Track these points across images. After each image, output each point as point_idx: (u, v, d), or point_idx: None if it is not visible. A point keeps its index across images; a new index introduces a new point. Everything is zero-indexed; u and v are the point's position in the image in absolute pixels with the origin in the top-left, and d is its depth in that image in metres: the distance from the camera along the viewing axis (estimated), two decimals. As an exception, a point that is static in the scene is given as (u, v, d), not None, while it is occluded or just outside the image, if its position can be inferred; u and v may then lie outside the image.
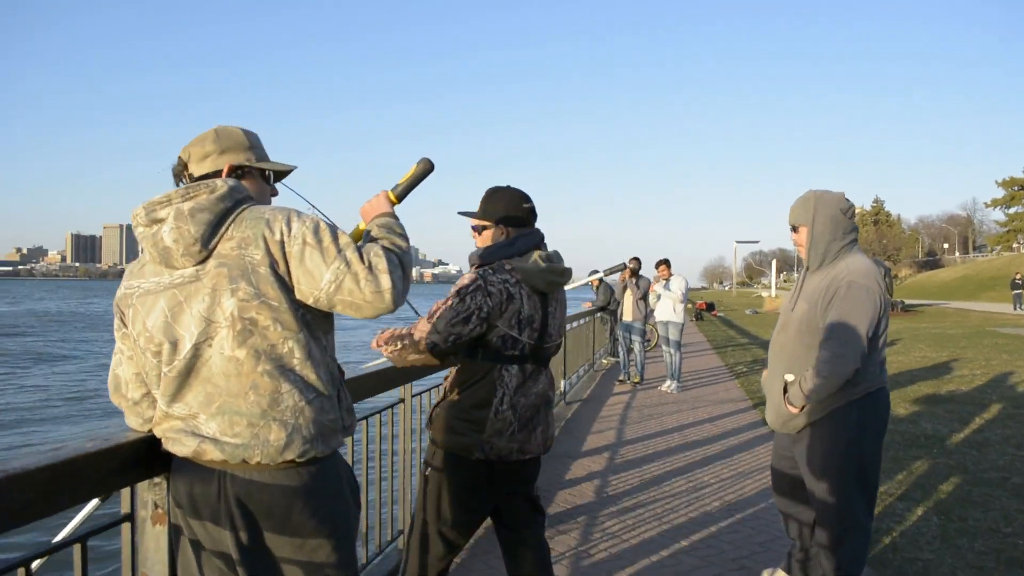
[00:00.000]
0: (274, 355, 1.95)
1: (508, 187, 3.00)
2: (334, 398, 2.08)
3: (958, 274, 73.24)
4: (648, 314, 12.62)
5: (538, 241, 2.97)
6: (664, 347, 11.99)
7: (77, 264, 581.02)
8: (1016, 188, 57.97)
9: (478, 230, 3.00)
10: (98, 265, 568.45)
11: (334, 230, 2.00)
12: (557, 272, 2.90)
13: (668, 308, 11.81)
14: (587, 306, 15.36)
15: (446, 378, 3.01)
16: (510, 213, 2.94)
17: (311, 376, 2.00)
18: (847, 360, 3.09)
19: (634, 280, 12.68)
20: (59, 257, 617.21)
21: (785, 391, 3.30)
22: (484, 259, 2.89)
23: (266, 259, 1.94)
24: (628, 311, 12.66)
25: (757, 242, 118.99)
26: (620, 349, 13.05)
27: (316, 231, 1.96)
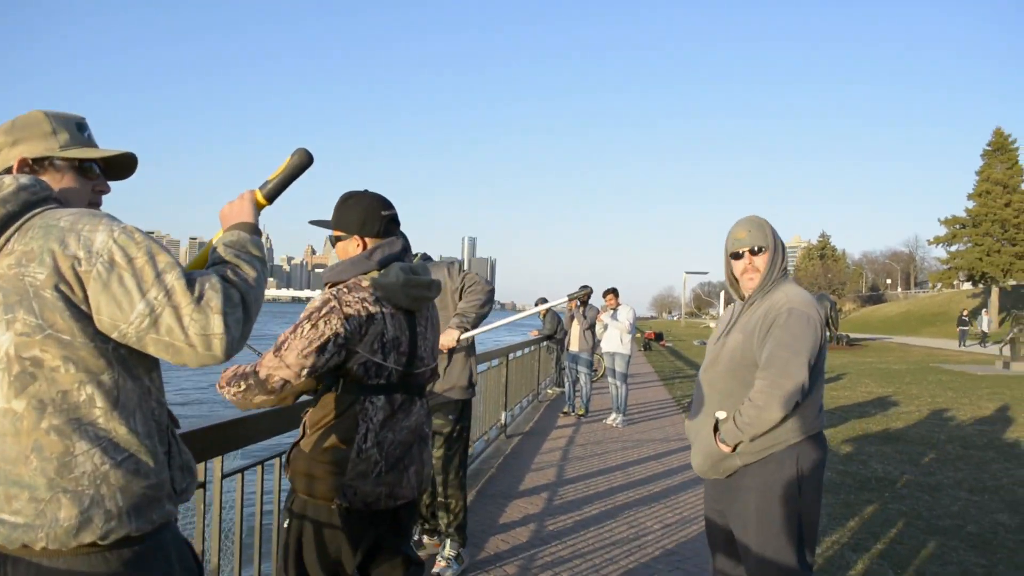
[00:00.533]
0: (66, 405, 1.50)
1: (365, 192, 2.69)
2: (158, 456, 1.63)
3: (901, 309, 74.49)
4: (595, 344, 12.25)
5: (400, 252, 2.66)
6: (610, 379, 11.64)
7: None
8: (958, 227, 59.25)
9: (332, 242, 2.70)
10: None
11: (152, 247, 1.56)
12: (422, 285, 2.60)
13: (615, 339, 11.47)
14: (534, 334, 15.02)
15: (303, 413, 2.63)
16: (368, 222, 2.62)
17: (120, 430, 1.56)
18: (788, 390, 2.78)
19: (581, 309, 12.33)
20: None
21: (716, 429, 2.97)
22: (337, 276, 2.58)
23: (52, 279, 1.49)
24: (575, 341, 12.30)
25: (706, 273, 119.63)
26: (566, 380, 12.67)
27: (127, 246, 1.53)
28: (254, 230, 1.85)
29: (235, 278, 1.65)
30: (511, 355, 10.40)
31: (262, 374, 2.34)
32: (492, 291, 4.66)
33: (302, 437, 2.55)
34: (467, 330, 4.50)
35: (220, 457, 2.88)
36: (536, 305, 15.52)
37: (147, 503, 1.59)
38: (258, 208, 1.96)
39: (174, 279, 1.54)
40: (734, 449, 2.93)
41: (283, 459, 3.42)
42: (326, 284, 2.59)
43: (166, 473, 1.66)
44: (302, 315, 2.42)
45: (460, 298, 4.64)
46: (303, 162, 1.99)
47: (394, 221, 2.69)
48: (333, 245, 2.69)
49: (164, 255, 1.56)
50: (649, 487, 7.05)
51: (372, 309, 2.47)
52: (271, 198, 1.98)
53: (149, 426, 1.63)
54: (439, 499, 4.75)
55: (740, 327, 3.02)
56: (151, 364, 1.66)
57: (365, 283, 2.52)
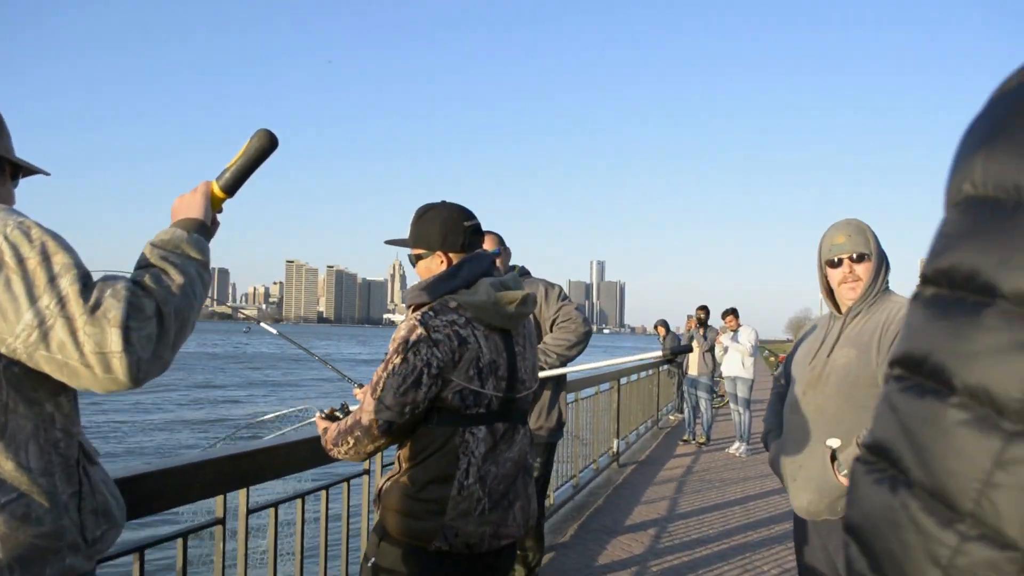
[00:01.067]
0: None
1: (443, 203, 2.47)
2: (57, 498, 1.32)
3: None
4: (716, 368, 11.53)
5: (487, 266, 2.42)
6: (732, 405, 10.92)
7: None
8: None
9: (413, 261, 2.48)
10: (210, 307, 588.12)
11: (49, 244, 1.28)
12: (516, 301, 2.34)
13: (736, 362, 10.74)
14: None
15: (399, 447, 2.37)
16: (450, 235, 2.39)
17: (5, 466, 1.26)
18: None
19: (701, 330, 11.67)
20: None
21: (833, 459, 2.57)
22: (422, 298, 2.35)
23: None
24: (693, 364, 11.65)
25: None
26: (685, 405, 12.00)
27: (20, 244, 1.26)
28: (199, 227, 1.55)
29: (153, 285, 1.35)
30: (623, 379, 9.86)
31: (364, 421, 2.20)
32: (588, 333, 4.13)
33: (396, 472, 2.34)
34: (543, 370, 3.99)
35: (245, 490, 2.56)
36: (655, 327, 14.99)
37: (37, 555, 1.29)
38: (216, 202, 1.65)
39: (68, 283, 1.25)
40: None
41: (372, 495, 3.13)
42: (409, 308, 2.36)
43: (69, 519, 1.33)
44: (390, 347, 2.24)
45: (550, 329, 4.14)
46: (264, 146, 1.65)
47: (478, 232, 2.46)
48: (414, 264, 2.46)
49: (63, 255, 1.27)
50: (770, 527, 6.37)
51: (463, 332, 2.25)
52: (230, 189, 1.65)
53: (48, 461, 1.31)
54: (517, 551, 4.31)
55: (850, 341, 2.65)
56: (57, 387, 1.34)
57: (453, 304, 2.29)
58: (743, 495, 7.73)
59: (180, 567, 2.30)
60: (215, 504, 2.46)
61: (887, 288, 2.74)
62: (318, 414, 2.49)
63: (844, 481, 2.54)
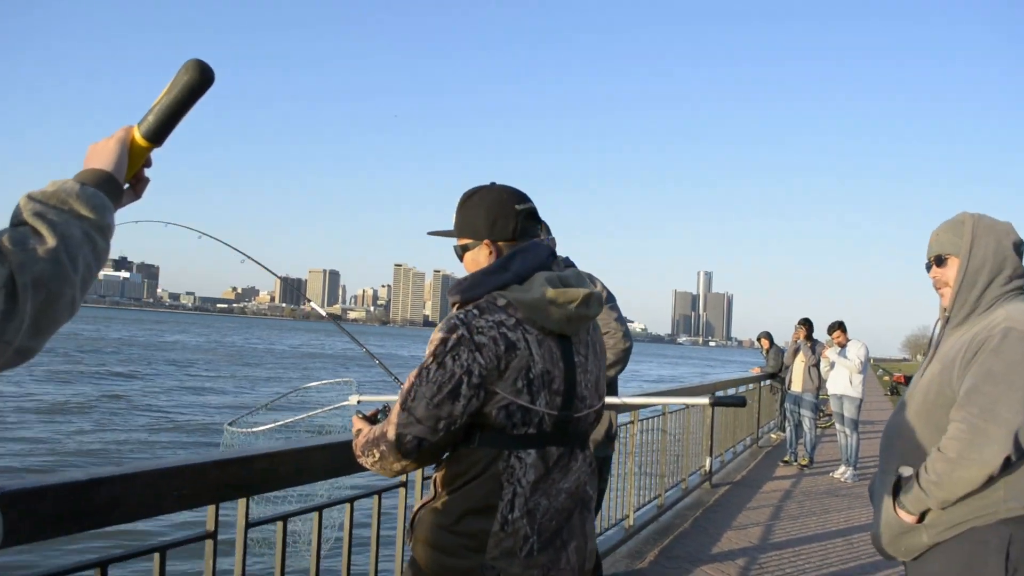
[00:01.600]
0: None
1: (492, 184, 2.13)
2: None
3: None
4: (822, 384, 10.74)
5: (545, 257, 2.06)
6: (838, 425, 10.13)
7: (283, 304, 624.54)
8: None
9: (459, 253, 2.14)
10: (302, 306, 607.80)
11: None
12: (578, 300, 1.97)
13: (843, 379, 9.94)
14: (755, 371, 13.65)
15: (437, 468, 2.03)
16: (499, 221, 2.05)
17: None
18: (993, 437, 2.14)
19: (809, 343, 10.90)
20: (268, 297, 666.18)
21: (898, 490, 2.33)
22: (467, 293, 1.99)
23: None
24: (798, 379, 10.90)
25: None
26: (787, 424, 11.25)
27: None
28: (104, 181, 1.22)
29: (10, 247, 1.04)
30: (716, 393, 9.25)
31: (391, 435, 1.89)
32: (628, 351, 3.76)
33: (431, 498, 2.01)
34: None
35: (245, 500, 2.23)
36: (758, 339, 14.22)
37: None
38: (138, 152, 1.30)
39: None
40: (920, 519, 2.28)
41: (407, 523, 2.80)
42: (453, 304, 2.00)
43: None
44: (427, 350, 1.92)
45: None
46: (193, 81, 1.28)
47: (532, 216, 2.11)
48: (460, 257, 2.12)
49: None
50: (877, 563, 5.71)
51: (512, 335, 1.90)
52: (154, 135, 1.30)
53: None
54: None
55: (940, 355, 2.40)
56: None
57: (502, 301, 1.94)
58: (847, 525, 7.05)
59: None
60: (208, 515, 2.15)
61: (1012, 295, 2.39)
62: (356, 414, 2.15)
63: (903, 516, 2.30)
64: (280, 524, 2.39)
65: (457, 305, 1.98)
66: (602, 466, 3.89)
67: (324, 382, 4.94)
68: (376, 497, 2.86)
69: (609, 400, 3.71)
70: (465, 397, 1.84)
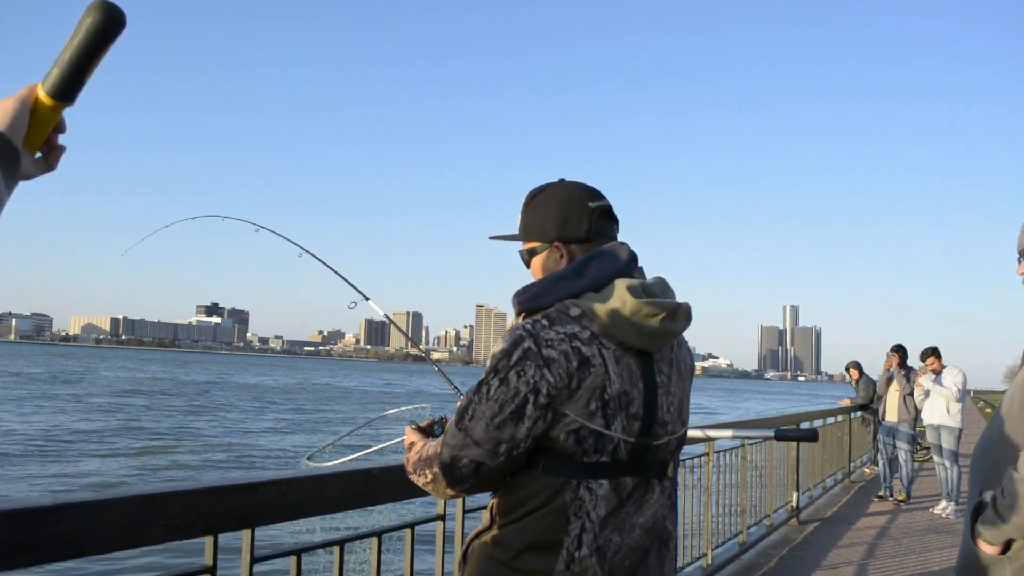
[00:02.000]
0: None
1: (561, 181, 1.90)
2: None
3: None
4: (918, 415, 10.07)
5: (625, 264, 1.80)
6: (937, 458, 9.46)
7: (368, 347, 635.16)
8: None
9: (525, 259, 1.92)
10: (386, 348, 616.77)
11: None
12: (666, 312, 1.74)
13: (940, 408, 9.30)
14: (845, 403, 12.98)
15: (493, 494, 1.82)
16: (570, 220, 1.83)
17: None
18: None
19: (903, 371, 10.27)
20: (354, 340, 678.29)
21: (977, 517, 2.07)
22: (532, 302, 1.75)
23: None
24: (892, 410, 10.27)
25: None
26: (880, 457, 10.58)
27: None
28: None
29: None
30: (802, 424, 8.74)
31: (445, 457, 1.68)
32: None
33: (486, 527, 1.79)
34: None
35: (249, 531, 2.02)
36: (847, 369, 13.55)
37: None
38: (44, 112, 1.11)
39: None
40: (1004, 550, 1.99)
41: (462, 554, 2.58)
42: (519, 315, 1.77)
43: None
44: (488, 363, 1.71)
45: None
46: (98, 23, 1.07)
47: (608, 215, 1.88)
48: (527, 264, 1.90)
49: None
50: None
51: (586, 350, 1.66)
52: (60, 92, 1.10)
53: None
54: None
55: None
56: None
57: (575, 311, 1.70)
58: (949, 564, 6.48)
59: None
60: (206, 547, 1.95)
61: None
62: (409, 424, 1.95)
63: (982, 547, 2.03)
64: (293, 560, 2.17)
65: (523, 316, 1.74)
66: None
67: (402, 409, 4.78)
68: (409, 531, 2.61)
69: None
70: (530, 419, 1.63)
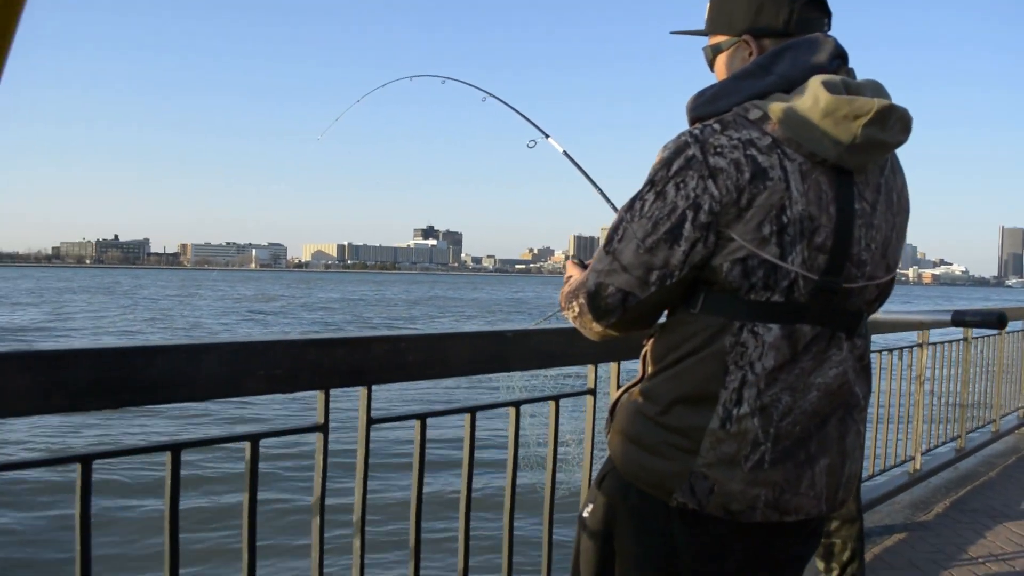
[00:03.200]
0: None
1: None
2: None
3: None
4: None
5: (827, 58, 1.47)
6: None
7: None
8: None
9: (709, 58, 1.63)
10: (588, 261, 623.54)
11: None
12: (872, 114, 1.37)
13: None
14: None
15: (647, 337, 1.60)
16: (765, 7, 1.51)
17: None
18: None
19: None
20: (563, 256, 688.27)
21: None
22: (707, 107, 1.47)
23: None
24: None
25: None
26: None
27: None
28: None
29: None
30: (1008, 329, 7.70)
31: (591, 284, 1.47)
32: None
33: (638, 379, 1.58)
34: None
35: (366, 388, 1.92)
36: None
37: None
38: None
39: None
40: None
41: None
42: (692, 124, 1.51)
43: None
44: (647, 175, 1.46)
45: None
46: None
47: (812, 5, 1.53)
48: (711, 65, 1.63)
49: None
50: None
51: (764, 160, 1.37)
52: None
53: None
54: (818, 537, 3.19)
55: None
56: None
57: (755, 113, 1.40)
58: None
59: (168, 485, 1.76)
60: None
61: None
62: (571, 258, 1.83)
63: None
64: (417, 424, 2.05)
65: (693, 119, 1.48)
66: None
67: None
68: (552, 404, 2.45)
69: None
70: (688, 241, 1.38)
